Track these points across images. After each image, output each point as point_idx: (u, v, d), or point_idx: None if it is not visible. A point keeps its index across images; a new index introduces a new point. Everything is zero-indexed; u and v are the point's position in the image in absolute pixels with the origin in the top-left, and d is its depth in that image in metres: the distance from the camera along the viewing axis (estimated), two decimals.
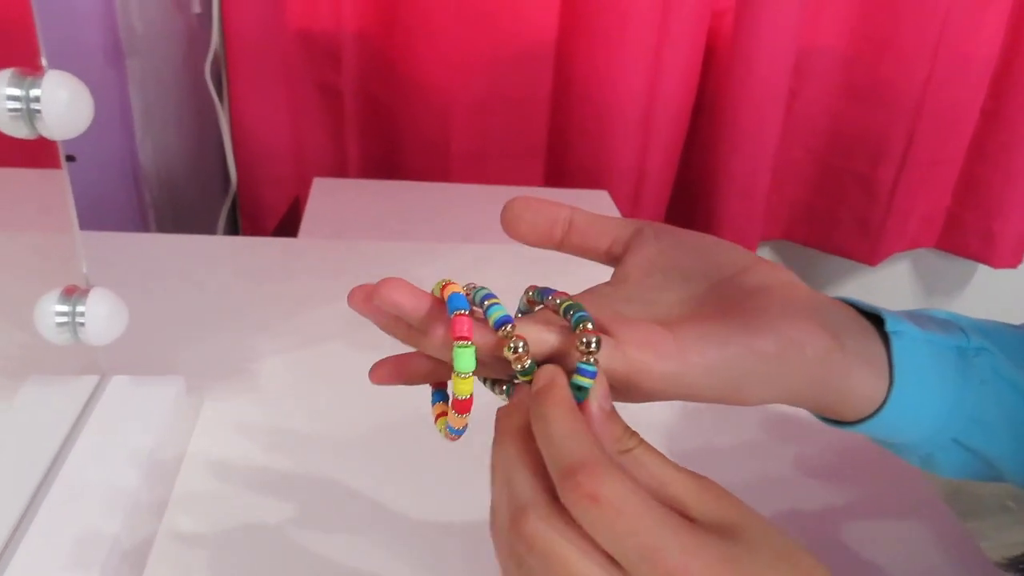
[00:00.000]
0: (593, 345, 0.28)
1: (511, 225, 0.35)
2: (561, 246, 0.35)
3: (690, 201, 1.31)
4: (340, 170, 1.20)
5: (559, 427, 0.26)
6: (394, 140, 1.19)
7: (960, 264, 1.51)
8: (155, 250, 0.78)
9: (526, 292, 0.33)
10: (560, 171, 1.24)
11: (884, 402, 0.33)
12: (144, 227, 1.08)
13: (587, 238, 0.35)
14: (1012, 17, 1.24)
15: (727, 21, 1.18)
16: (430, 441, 0.51)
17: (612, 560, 0.25)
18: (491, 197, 1.15)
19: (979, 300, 1.58)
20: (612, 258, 0.35)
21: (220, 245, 0.86)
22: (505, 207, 0.34)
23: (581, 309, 0.29)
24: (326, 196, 1.10)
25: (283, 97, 1.12)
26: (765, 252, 1.48)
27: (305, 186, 1.10)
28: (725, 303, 0.32)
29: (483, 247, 0.81)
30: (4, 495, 0.45)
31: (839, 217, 1.36)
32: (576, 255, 0.35)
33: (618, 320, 0.30)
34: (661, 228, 0.35)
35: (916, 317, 0.36)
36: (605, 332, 0.29)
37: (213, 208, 1.14)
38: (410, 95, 1.15)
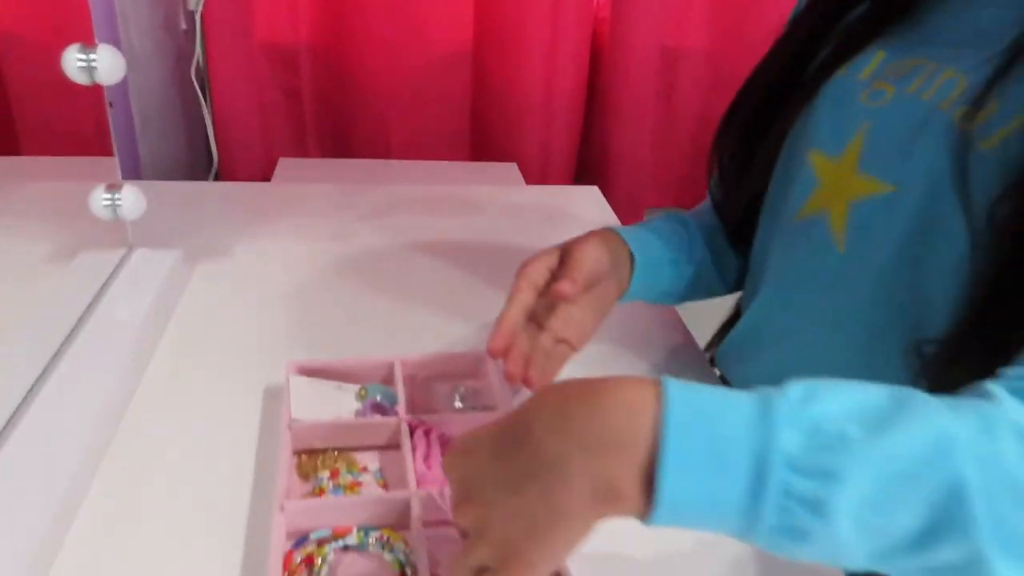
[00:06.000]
0: None
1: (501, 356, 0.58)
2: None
3: (592, 174, 1.61)
4: (301, 154, 1.49)
5: None
6: (344, 130, 1.48)
7: None
8: (166, 188, 1.06)
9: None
10: (481, 150, 1.53)
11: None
12: None
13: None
14: None
15: (606, 28, 1.48)
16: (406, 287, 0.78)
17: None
18: (423, 170, 1.44)
19: None
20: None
21: (210, 187, 1.15)
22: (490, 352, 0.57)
23: None
24: (290, 173, 1.39)
25: (254, 96, 1.41)
26: None
27: (272, 166, 1.39)
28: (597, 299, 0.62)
29: (412, 190, 1.10)
30: (62, 325, 0.71)
31: None
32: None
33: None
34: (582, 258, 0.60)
35: (652, 244, 0.68)
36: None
37: None
38: (356, 93, 1.45)
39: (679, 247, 0.70)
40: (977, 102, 0.49)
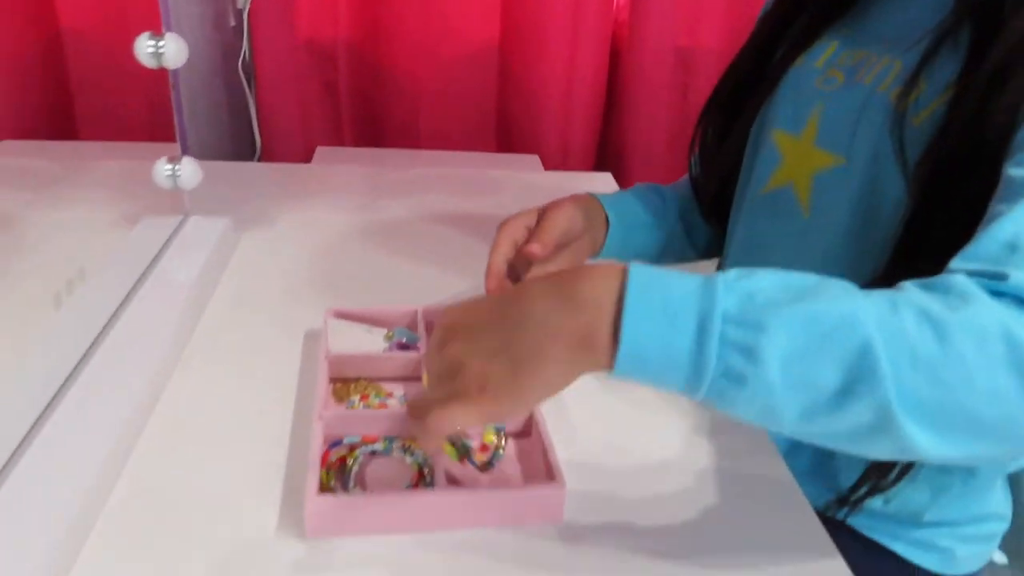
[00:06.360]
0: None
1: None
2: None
3: (609, 167, 1.69)
4: (337, 143, 1.59)
5: None
6: (377, 121, 1.58)
7: None
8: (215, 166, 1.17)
9: None
10: (505, 142, 1.62)
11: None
12: None
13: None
14: None
15: (625, 30, 1.57)
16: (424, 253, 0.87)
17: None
18: (449, 159, 1.54)
19: None
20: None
21: (255, 167, 1.25)
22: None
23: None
24: (326, 160, 1.49)
25: (295, 88, 1.51)
26: None
27: (310, 154, 1.49)
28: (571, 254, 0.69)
29: (438, 172, 1.19)
30: (126, 280, 0.81)
31: None
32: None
33: None
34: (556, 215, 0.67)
35: (627, 209, 0.76)
36: None
37: None
38: (389, 87, 1.55)
39: (653, 214, 0.79)
40: (908, 84, 0.58)
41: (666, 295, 0.41)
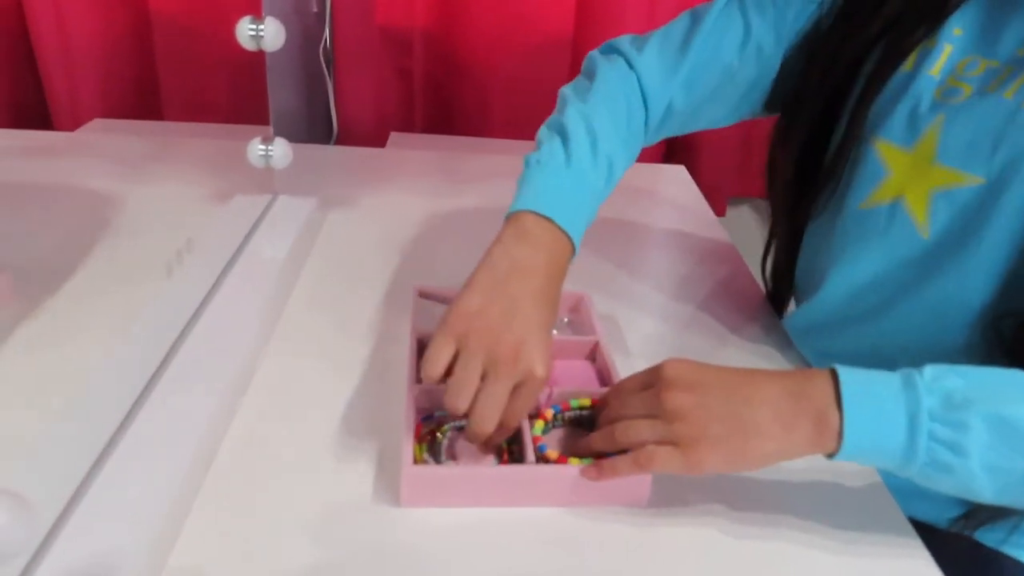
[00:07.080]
0: None
1: None
2: None
3: (679, 160, 1.69)
4: (409, 129, 1.62)
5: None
6: (448, 109, 1.60)
7: None
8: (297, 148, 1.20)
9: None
10: None
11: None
12: None
13: None
14: None
15: None
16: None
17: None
18: (519, 148, 1.55)
19: None
20: None
21: (334, 150, 1.28)
22: None
23: None
24: (399, 145, 1.52)
25: (371, 73, 1.54)
26: (745, 208, 1.84)
27: (384, 139, 1.52)
28: None
29: (509, 160, 1.21)
30: (222, 253, 0.84)
31: None
32: None
33: None
34: None
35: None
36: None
37: None
38: (461, 75, 1.57)
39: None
40: None
41: (876, 398, 0.48)
